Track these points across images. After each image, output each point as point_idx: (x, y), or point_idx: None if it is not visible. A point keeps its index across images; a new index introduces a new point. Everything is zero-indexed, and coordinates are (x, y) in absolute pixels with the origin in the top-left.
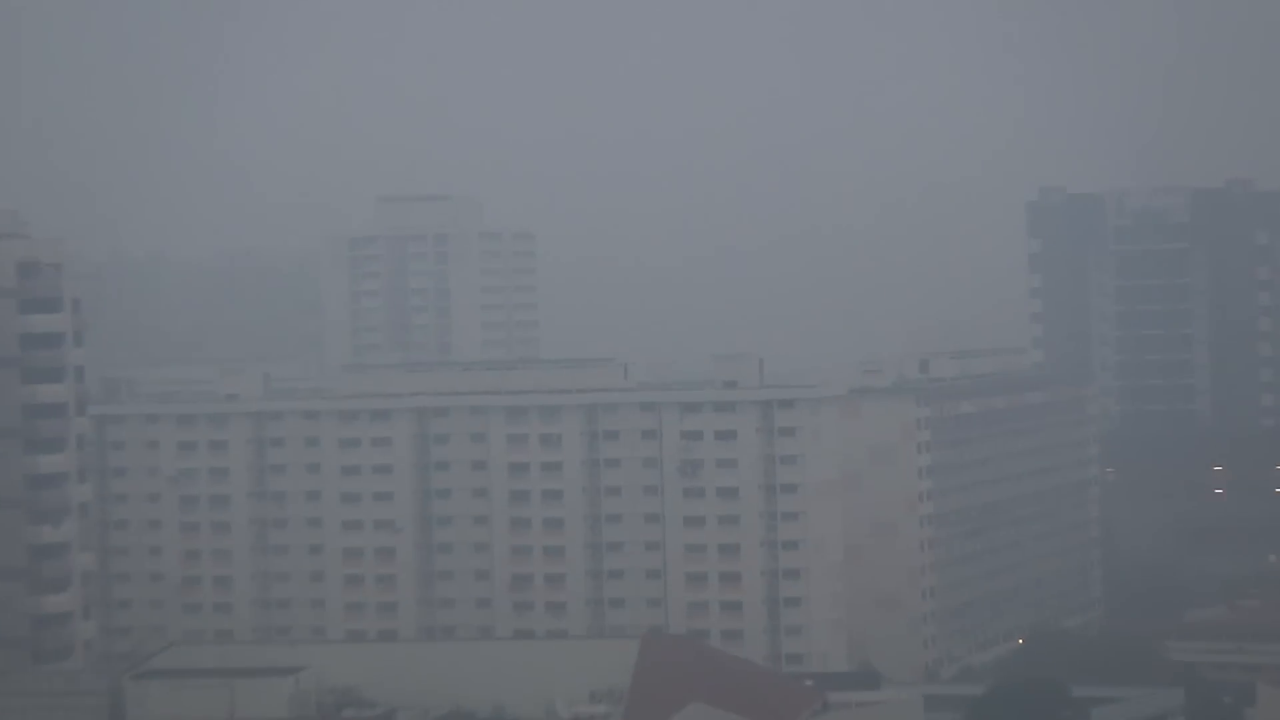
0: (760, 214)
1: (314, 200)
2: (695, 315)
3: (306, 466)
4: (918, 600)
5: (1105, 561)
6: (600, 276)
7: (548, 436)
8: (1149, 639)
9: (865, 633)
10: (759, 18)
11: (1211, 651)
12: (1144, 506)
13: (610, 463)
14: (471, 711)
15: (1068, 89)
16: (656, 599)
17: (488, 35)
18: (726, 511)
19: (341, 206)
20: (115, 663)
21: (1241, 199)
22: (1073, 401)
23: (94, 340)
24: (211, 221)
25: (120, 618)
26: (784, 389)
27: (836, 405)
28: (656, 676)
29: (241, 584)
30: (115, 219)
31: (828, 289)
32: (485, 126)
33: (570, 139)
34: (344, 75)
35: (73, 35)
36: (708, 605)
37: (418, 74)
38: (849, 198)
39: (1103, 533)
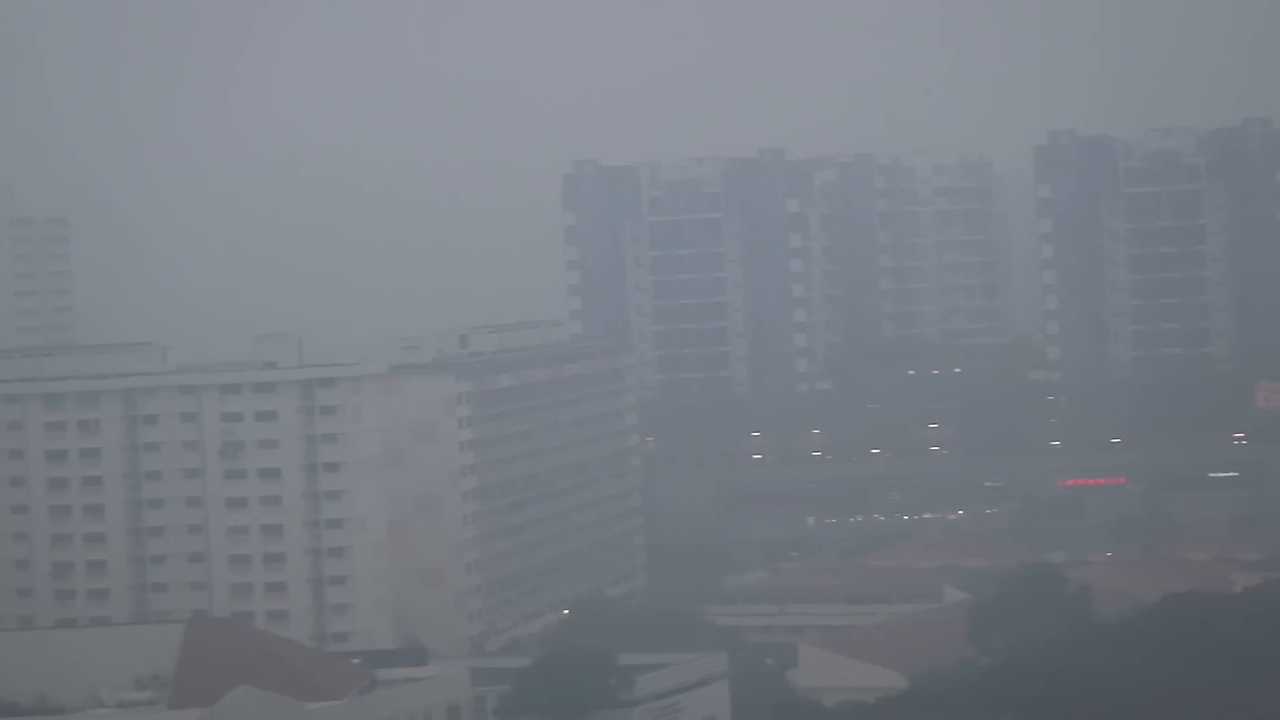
0: (297, 193)
1: None
2: (235, 298)
3: None
4: (462, 575)
5: (647, 530)
6: (135, 259)
7: (86, 422)
8: (692, 605)
9: (411, 609)
10: None
11: (754, 615)
12: (684, 474)
13: (150, 447)
14: (14, 703)
15: (612, 58)
16: (201, 582)
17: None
18: (269, 492)
19: None
20: None
21: (772, 168)
22: (611, 372)
23: None
24: None
25: None
26: (323, 368)
27: (377, 383)
28: (202, 661)
29: None
30: None
31: (368, 266)
32: (17, 110)
33: (103, 125)
34: None
35: None
36: (252, 587)
37: None
38: (378, 174)
39: (644, 501)
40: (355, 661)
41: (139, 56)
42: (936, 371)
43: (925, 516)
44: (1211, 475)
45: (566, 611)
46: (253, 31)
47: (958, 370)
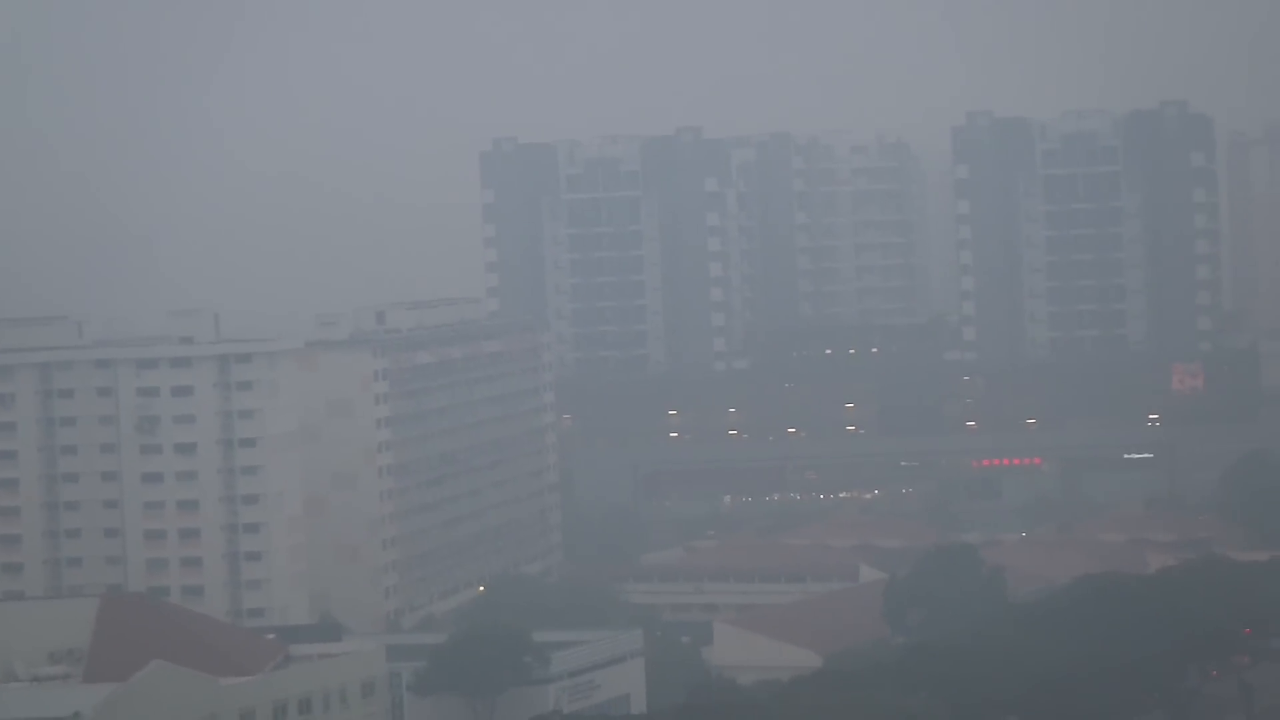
0: (214, 166)
1: None
2: (153, 271)
3: None
4: (378, 551)
5: (564, 508)
6: (53, 232)
7: (1, 396)
8: (607, 583)
9: (327, 585)
10: None
11: (670, 593)
12: (601, 452)
13: (66, 421)
14: None
15: (531, 38)
16: (115, 557)
17: None
18: (185, 468)
19: None
20: None
21: (689, 146)
22: (528, 349)
23: None
24: None
25: None
26: (240, 343)
27: (293, 358)
28: (116, 636)
29: None
30: None
31: (283, 241)
32: None
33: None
34: None
35: None
36: (168, 562)
37: None
38: (298, 155)
39: (561, 479)
40: (270, 637)
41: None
42: (853, 351)
43: (841, 496)
44: (1126, 457)
45: (482, 589)
46: (200, 32)
47: (874, 350)
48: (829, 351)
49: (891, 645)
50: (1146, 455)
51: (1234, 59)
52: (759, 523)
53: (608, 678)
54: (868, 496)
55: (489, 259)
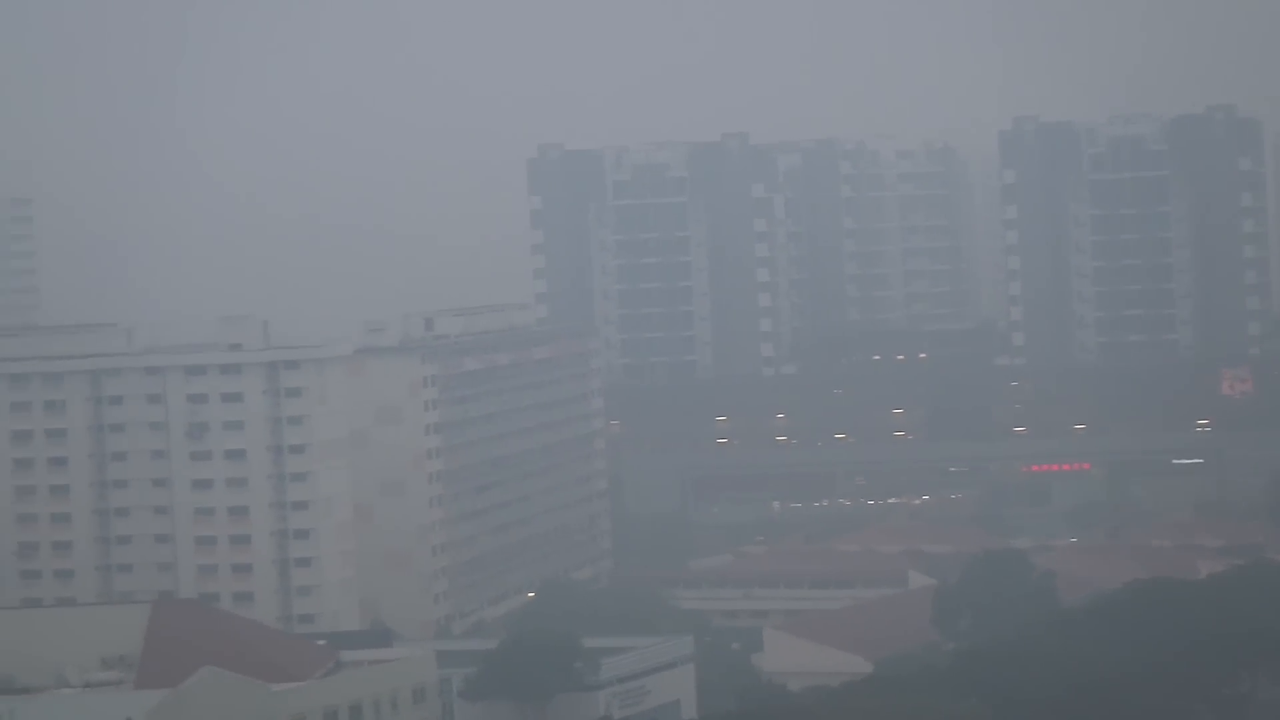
0: (269, 174)
1: None
2: (201, 278)
3: None
4: (428, 557)
5: (613, 513)
6: (103, 241)
7: (51, 403)
8: (657, 588)
9: (377, 591)
10: None
11: (719, 599)
12: (649, 458)
13: (115, 428)
14: None
15: (576, 44)
16: (166, 563)
17: None
18: (235, 474)
19: None
20: None
21: (736, 153)
22: (576, 355)
23: None
24: None
25: None
26: (289, 350)
27: (342, 365)
28: (167, 642)
29: None
30: None
31: (333, 248)
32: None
33: (64, 103)
34: None
35: None
36: (218, 568)
37: None
38: (355, 158)
39: (610, 485)
40: (320, 643)
41: (110, 43)
42: (901, 357)
43: (890, 501)
44: (1175, 462)
45: (532, 594)
46: (241, 23)
47: (923, 356)
48: (877, 357)
49: (941, 651)
50: (1195, 460)
51: None
52: (808, 528)
53: (658, 683)
54: (916, 502)
55: (536, 265)
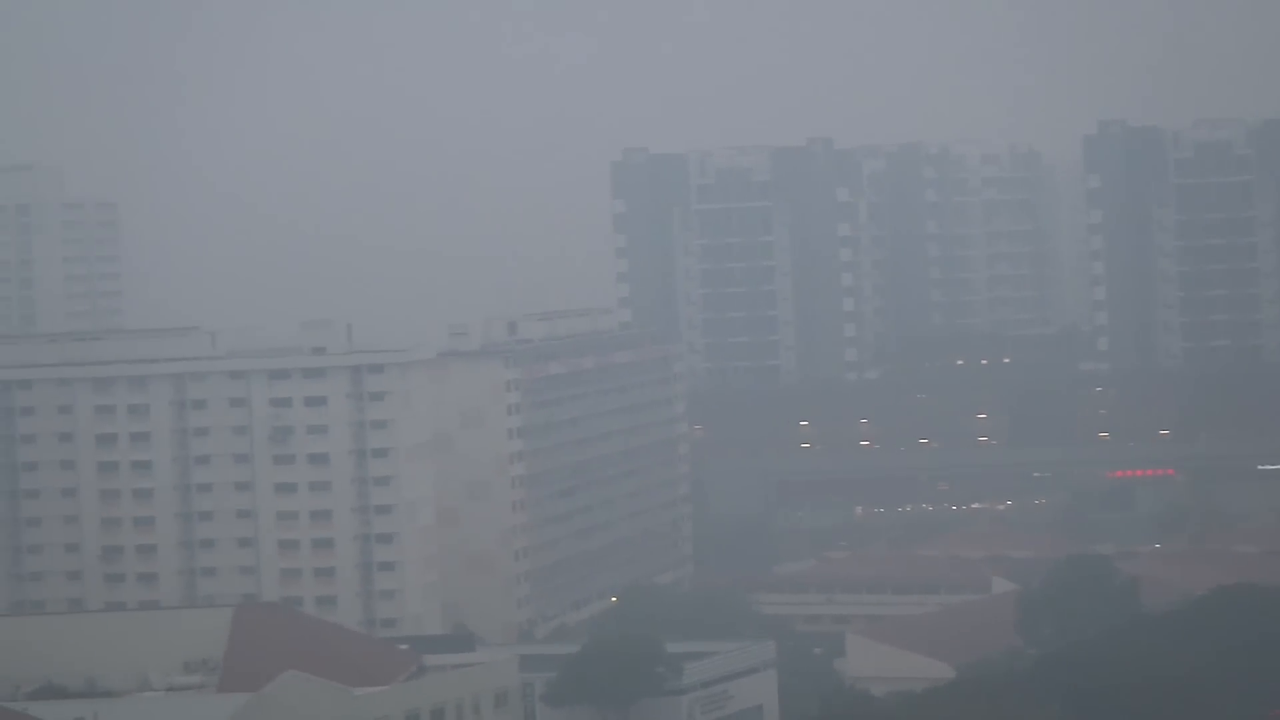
0: (350, 180)
1: None
2: (284, 282)
3: None
4: (510, 561)
5: (696, 518)
6: (186, 244)
7: (136, 407)
8: (740, 593)
9: (459, 595)
10: None
11: (802, 604)
12: (732, 463)
13: (199, 431)
14: (63, 686)
15: (656, 49)
16: (249, 567)
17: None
18: (318, 478)
19: None
20: None
21: (820, 157)
22: (659, 360)
23: None
24: None
25: None
26: (372, 354)
27: (425, 369)
28: (250, 645)
29: None
30: None
31: (415, 252)
32: (64, 96)
33: (153, 106)
34: None
35: None
36: (301, 572)
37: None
38: (433, 162)
39: (693, 489)
40: (403, 647)
41: (179, 42)
42: (985, 362)
43: (973, 507)
44: (1261, 467)
45: (614, 599)
46: (314, 10)
47: (1006, 361)
48: (961, 362)
49: (1025, 657)
50: None
51: None
52: (891, 533)
53: (740, 689)
54: (1000, 507)
55: (620, 269)
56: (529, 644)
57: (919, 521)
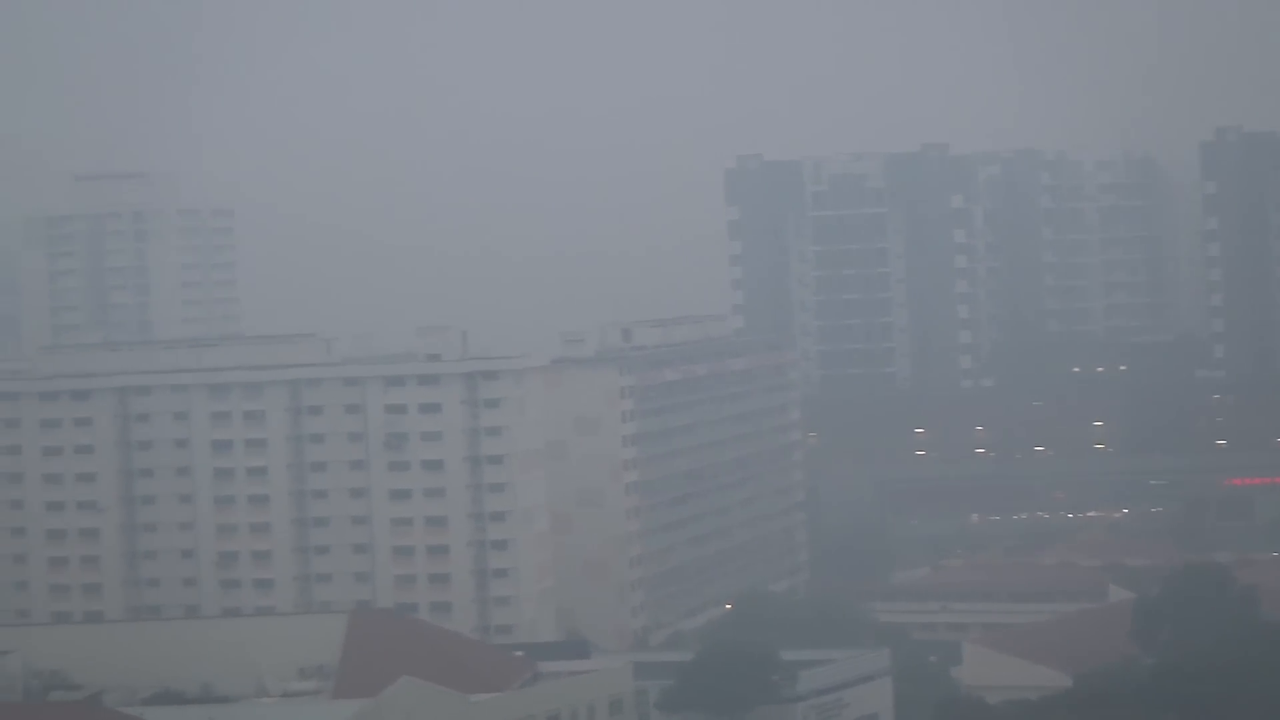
0: (460, 186)
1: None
2: (398, 288)
3: (5, 449)
4: (625, 568)
5: (810, 525)
6: (302, 251)
7: (251, 413)
8: (855, 601)
9: (574, 602)
10: None
11: (917, 612)
12: (846, 470)
13: (315, 438)
14: (180, 691)
15: (767, 54)
16: (364, 573)
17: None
18: (432, 484)
19: (38, 184)
20: None
21: (935, 163)
22: (774, 367)
23: None
24: None
25: None
26: (487, 360)
27: (540, 375)
28: (365, 651)
29: None
30: None
31: (530, 259)
32: (179, 104)
33: (262, 113)
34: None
35: None
36: (416, 578)
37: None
38: (542, 170)
39: (807, 497)
40: (518, 654)
41: (283, 47)
42: (1101, 369)
43: (1089, 515)
44: None
45: (729, 606)
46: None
47: (1122, 368)
48: (1076, 369)
49: (1141, 666)
50: None
51: None
52: (1006, 541)
53: (855, 697)
54: (1116, 515)
55: (734, 276)
56: (643, 651)
57: (1034, 529)
